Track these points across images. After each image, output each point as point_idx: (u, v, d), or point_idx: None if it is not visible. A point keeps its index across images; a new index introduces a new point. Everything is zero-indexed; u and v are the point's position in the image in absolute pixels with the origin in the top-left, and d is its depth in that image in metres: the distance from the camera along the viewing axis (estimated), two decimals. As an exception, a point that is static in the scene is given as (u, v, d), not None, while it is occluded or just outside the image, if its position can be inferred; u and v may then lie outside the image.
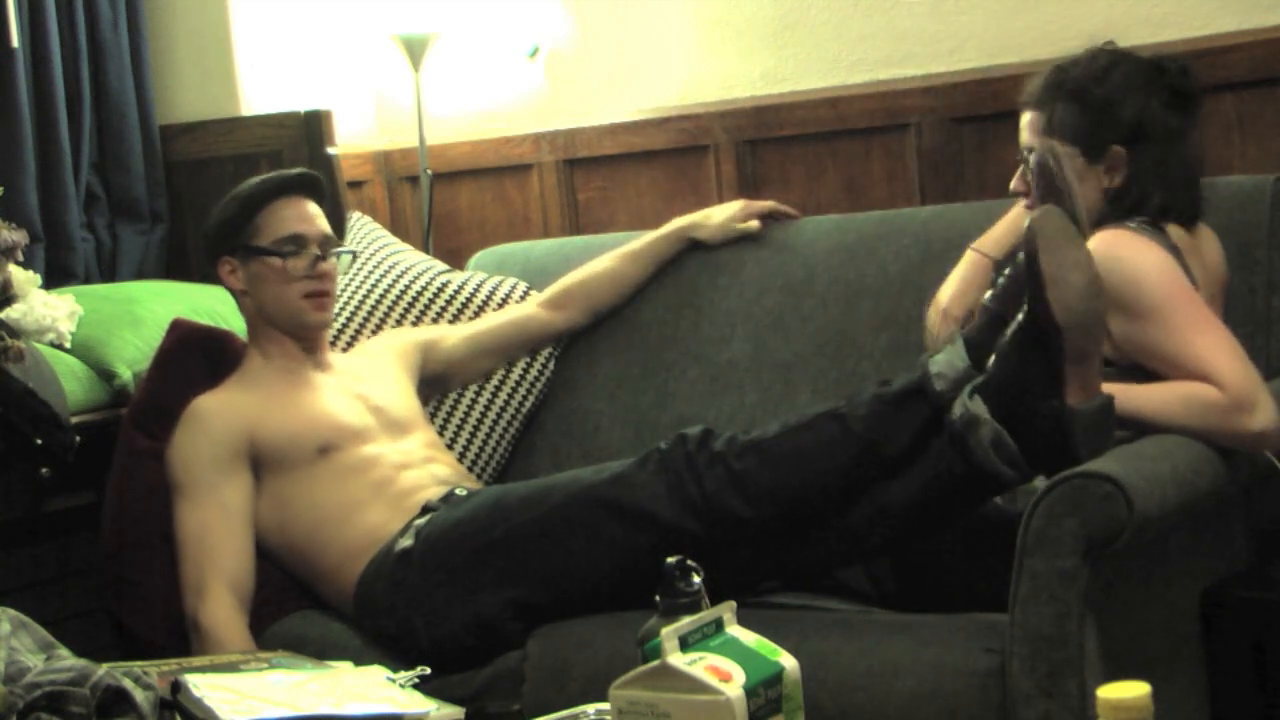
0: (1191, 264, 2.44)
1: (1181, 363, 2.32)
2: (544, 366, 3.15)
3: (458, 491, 2.71)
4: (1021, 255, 2.22)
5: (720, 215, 3.11)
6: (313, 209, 2.89)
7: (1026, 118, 2.54)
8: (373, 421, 2.84)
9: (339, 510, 2.73)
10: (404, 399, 2.94)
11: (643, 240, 3.13)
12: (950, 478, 2.29)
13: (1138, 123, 2.46)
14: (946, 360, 2.31)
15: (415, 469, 2.79)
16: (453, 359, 3.08)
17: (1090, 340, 2.20)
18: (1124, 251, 2.37)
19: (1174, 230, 2.46)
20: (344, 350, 3.09)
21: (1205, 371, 2.30)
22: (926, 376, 2.32)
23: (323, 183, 2.96)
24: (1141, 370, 2.38)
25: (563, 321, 3.13)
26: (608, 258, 3.13)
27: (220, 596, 2.64)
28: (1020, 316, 2.23)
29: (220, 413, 2.78)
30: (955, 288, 2.65)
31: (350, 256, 2.98)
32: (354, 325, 3.14)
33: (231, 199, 2.88)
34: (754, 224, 3.08)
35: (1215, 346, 2.31)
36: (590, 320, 3.14)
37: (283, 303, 2.83)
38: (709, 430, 2.47)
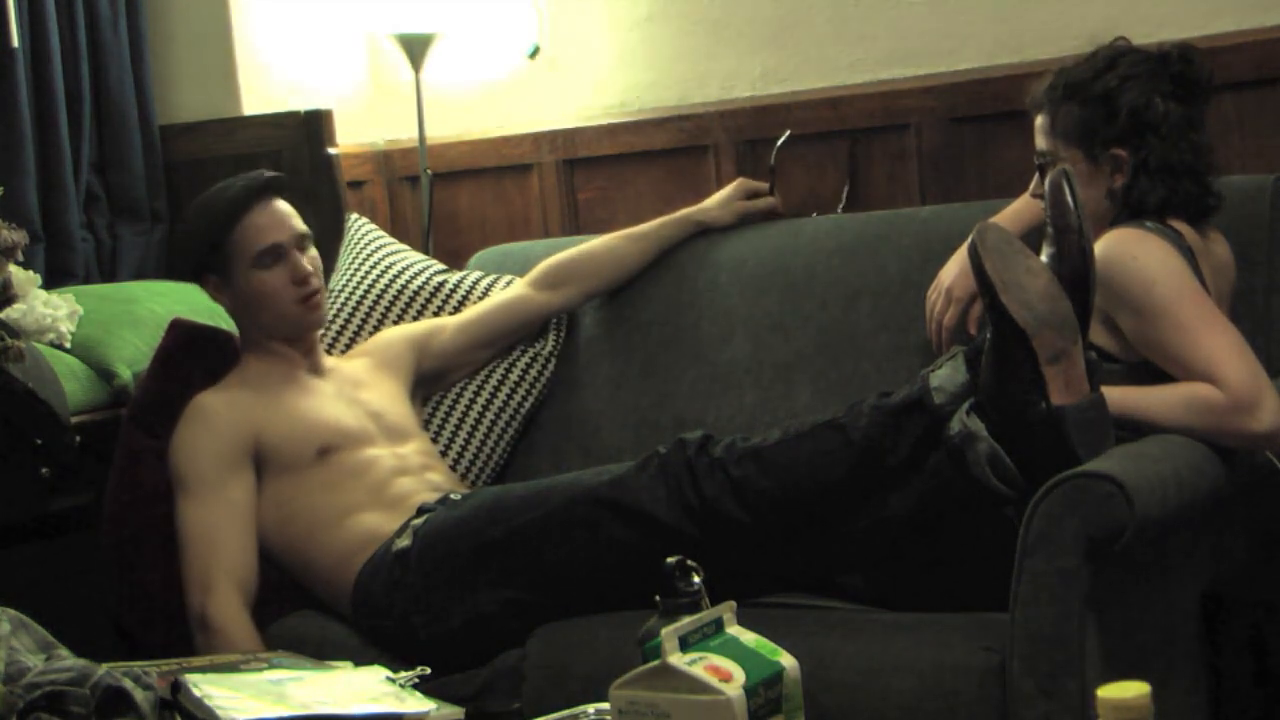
0: (1202, 266, 2.44)
1: (1188, 363, 2.33)
2: (544, 367, 3.14)
3: (453, 496, 2.71)
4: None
5: (720, 196, 3.13)
6: (281, 209, 2.84)
7: (1038, 121, 2.54)
8: (371, 426, 2.84)
9: (336, 512, 2.73)
10: (400, 407, 2.94)
11: (648, 224, 3.13)
12: (948, 492, 2.29)
13: (1138, 113, 2.46)
14: (946, 374, 2.31)
15: (411, 475, 2.79)
16: (447, 353, 3.07)
17: (1062, 339, 2.20)
18: (1136, 251, 2.38)
19: (1186, 232, 2.46)
20: (342, 352, 3.09)
21: (1210, 372, 2.30)
22: (926, 390, 2.32)
23: (284, 179, 2.91)
24: (1148, 367, 2.39)
25: (557, 301, 3.10)
26: (608, 237, 3.13)
27: (227, 593, 2.64)
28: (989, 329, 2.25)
29: (224, 410, 2.77)
30: (958, 269, 2.65)
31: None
32: (353, 325, 3.14)
33: (200, 216, 2.84)
34: (761, 202, 3.11)
35: (1222, 347, 2.32)
36: (584, 300, 3.11)
37: (277, 313, 2.82)
38: (708, 435, 2.47)
